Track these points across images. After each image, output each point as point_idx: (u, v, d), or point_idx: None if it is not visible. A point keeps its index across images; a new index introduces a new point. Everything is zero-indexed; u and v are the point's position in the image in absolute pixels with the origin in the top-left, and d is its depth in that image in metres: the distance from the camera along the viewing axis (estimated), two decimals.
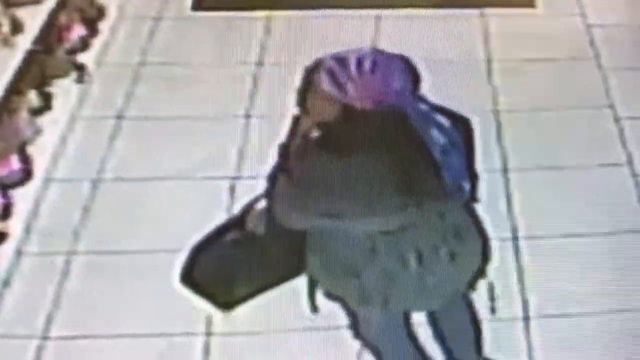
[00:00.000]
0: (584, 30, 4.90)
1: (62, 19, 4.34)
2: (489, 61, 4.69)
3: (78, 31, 4.42)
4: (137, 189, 3.82)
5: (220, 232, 2.73)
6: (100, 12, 4.69)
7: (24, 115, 3.87)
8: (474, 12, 5.06)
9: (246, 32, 4.77)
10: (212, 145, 4.08)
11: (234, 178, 3.89)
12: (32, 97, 3.96)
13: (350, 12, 4.86)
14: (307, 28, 4.70)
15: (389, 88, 2.46)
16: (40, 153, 3.87)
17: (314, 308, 2.71)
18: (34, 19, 4.13)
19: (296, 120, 2.53)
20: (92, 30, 4.53)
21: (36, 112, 3.96)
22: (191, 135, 4.09)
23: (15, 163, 3.72)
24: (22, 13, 4.11)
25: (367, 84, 2.44)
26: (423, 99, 2.62)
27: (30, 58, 4.01)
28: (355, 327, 2.93)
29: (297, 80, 2.48)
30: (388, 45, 4.53)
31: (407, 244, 2.62)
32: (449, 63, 4.61)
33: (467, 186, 2.62)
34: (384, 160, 2.46)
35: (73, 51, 4.36)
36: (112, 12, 4.80)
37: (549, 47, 4.80)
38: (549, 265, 3.56)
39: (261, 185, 2.56)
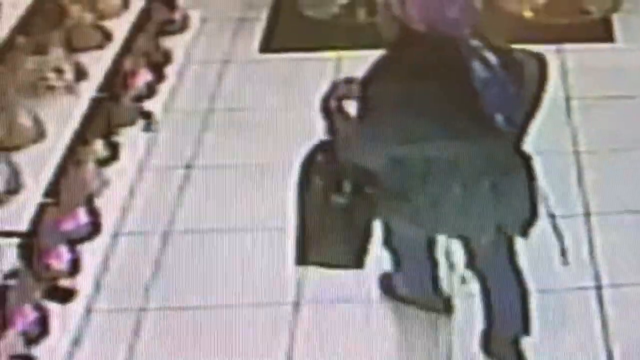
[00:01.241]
0: None
1: (127, 64, 4.27)
2: (567, 99, 4.56)
3: (144, 77, 4.36)
4: (208, 241, 3.72)
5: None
6: (167, 57, 4.64)
7: (90, 166, 3.80)
8: (551, 47, 4.87)
9: (316, 73, 4.67)
10: (282, 193, 4.07)
11: None
12: (99, 147, 3.90)
13: None
14: None
15: (444, 15, 2.75)
16: (108, 206, 3.79)
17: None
18: (98, 65, 4.04)
19: None
20: (159, 76, 4.48)
21: (103, 162, 3.89)
22: (262, 183, 4.00)
23: (82, 217, 3.65)
24: (85, 58, 4.02)
25: (426, 7, 2.75)
26: (481, 36, 2.86)
27: (95, 106, 3.93)
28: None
29: None
30: None
31: (454, 172, 2.87)
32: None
33: (500, 118, 2.83)
34: (431, 88, 2.73)
35: (139, 98, 4.31)
36: (178, 56, 4.76)
37: (629, 82, 4.63)
38: (635, 316, 3.41)
39: None
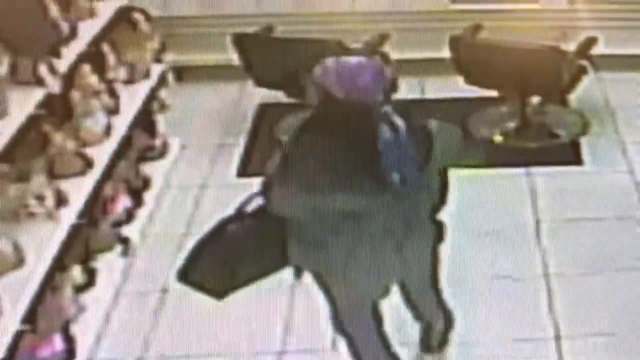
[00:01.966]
0: (632, 187, 4.90)
1: (108, 190, 4.40)
2: (537, 222, 4.68)
3: (123, 202, 4.49)
4: None
5: (220, 226, 3.31)
6: (146, 183, 4.77)
7: (67, 292, 3.88)
8: (520, 171, 5.12)
9: None
10: (259, 318, 4.09)
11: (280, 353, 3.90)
12: (76, 274, 3.98)
13: None
14: None
15: (356, 83, 3.18)
16: (84, 332, 3.85)
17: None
18: (79, 191, 4.14)
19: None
20: (138, 201, 4.60)
21: (80, 288, 3.97)
22: (238, 308, 3.94)
23: (58, 343, 3.70)
24: (67, 185, 4.10)
25: (345, 79, 3.19)
26: (395, 103, 3.29)
27: (74, 232, 4.01)
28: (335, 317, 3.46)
29: None
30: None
31: (361, 225, 3.23)
32: (496, 225, 4.61)
33: (396, 177, 3.23)
34: (339, 145, 3.14)
35: (118, 224, 4.42)
36: (157, 182, 4.89)
37: (597, 204, 4.78)
38: None
39: None
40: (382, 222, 3.25)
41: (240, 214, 3.32)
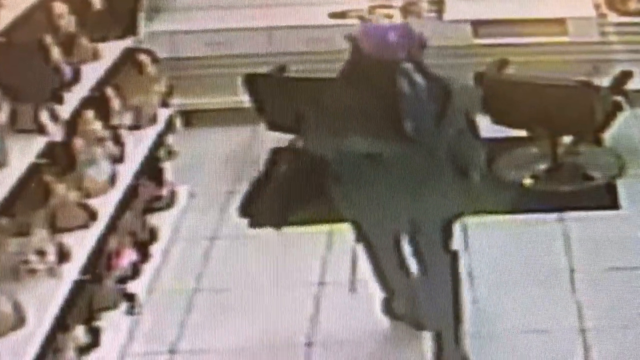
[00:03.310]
0: None
1: (112, 243, 4.43)
2: (571, 271, 4.67)
3: (129, 257, 4.52)
4: None
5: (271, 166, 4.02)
6: (153, 235, 4.82)
7: (70, 354, 3.88)
8: (552, 216, 5.13)
9: (306, 249, 4.86)
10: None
11: None
12: (79, 334, 3.99)
13: None
14: None
15: (385, 40, 3.79)
16: None
17: None
18: (82, 245, 4.17)
19: None
20: (144, 255, 4.64)
21: (83, 350, 3.98)
22: None
23: None
24: (69, 239, 4.13)
25: (374, 36, 3.83)
26: (418, 62, 3.86)
27: (77, 289, 4.04)
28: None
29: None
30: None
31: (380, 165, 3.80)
32: (528, 274, 4.63)
33: (410, 125, 3.77)
34: (364, 94, 3.75)
35: (123, 280, 4.44)
36: (165, 234, 4.93)
37: (635, 253, 4.74)
38: None
39: None
40: (399, 167, 3.81)
41: (285, 155, 4.05)
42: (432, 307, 4.13)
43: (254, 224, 4.03)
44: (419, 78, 3.84)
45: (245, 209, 3.96)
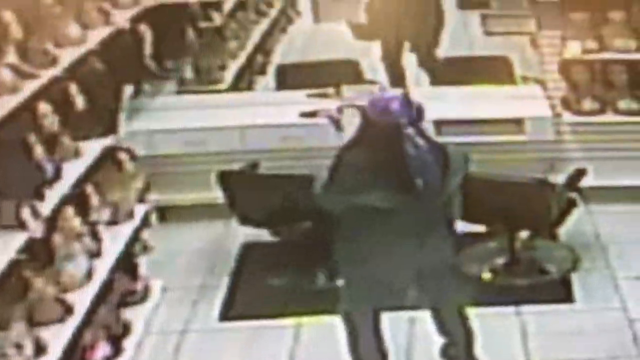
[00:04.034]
0: (625, 325, 4.93)
1: (87, 337, 4.48)
2: None
3: (103, 350, 4.56)
4: None
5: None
6: (126, 328, 4.87)
7: None
8: (510, 310, 5.16)
9: (274, 342, 4.89)
10: None
11: None
12: None
13: None
14: (337, 334, 4.67)
15: (390, 110, 4.28)
16: None
17: None
18: (58, 339, 4.21)
19: None
20: (117, 349, 4.67)
21: None
22: None
23: None
24: (46, 333, 4.19)
25: (379, 105, 4.34)
26: (418, 127, 4.36)
27: None
28: None
29: None
30: None
31: (391, 219, 4.24)
32: None
33: (419, 182, 4.25)
34: (377, 156, 4.23)
35: None
36: (138, 327, 4.97)
37: (589, 345, 4.80)
38: None
39: None
40: (408, 220, 4.25)
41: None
42: None
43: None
44: (420, 141, 4.33)
45: None
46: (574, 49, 6.41)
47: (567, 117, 6.25)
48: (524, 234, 5.60)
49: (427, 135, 4.44)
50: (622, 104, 6.30)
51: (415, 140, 4.31)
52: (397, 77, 7.14)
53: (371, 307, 4.46)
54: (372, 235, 4.31)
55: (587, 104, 6.28)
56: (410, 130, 4.32)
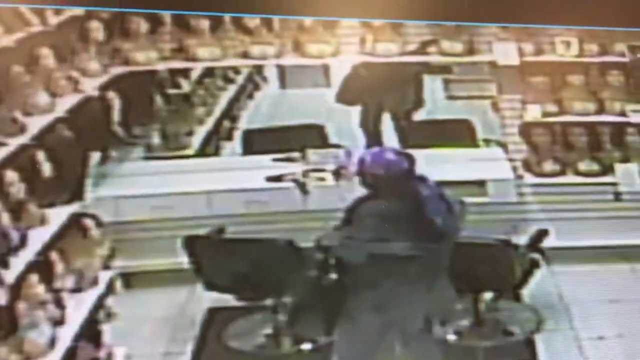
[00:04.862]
0: None
1: None
2: None
3: None
4: None
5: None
6: None
7: None
8: None
9: None
10: None
11: None
12: None
13: None
14: None
15: (390, 159, 4.53)
16: None
17: None
18: None
19: None
20: None
21: None
22: None
23: None
24: None
25: (378, 159, 4.54)
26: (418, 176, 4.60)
27: None
28: None
29: None
30: None
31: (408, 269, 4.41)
32: None
33: (439, 220, 4.48)
34: (395, 203, 4.44)
35: None
36: None
37: None
38: None
39: None
40: (422, 265, 4.41)
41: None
42: None
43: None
44: (426, 187, 4.61)
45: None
46: (534, 112, 6.49)
47: (529, 178, 6.28)
48: (487, 295, 5.55)
49: (428, 180, 4.63)
50: (583, 166, 6.37)
51: (427, 181, 4.57)
52: (374, 140, 7.39)
53: None
54: (388, 283, 4.37)
55: (548, 166, 6.34)
56: (418, 175, 4.61)
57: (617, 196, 6.26)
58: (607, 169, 6.34)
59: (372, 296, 4.36)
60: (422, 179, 4.54)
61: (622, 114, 6.56)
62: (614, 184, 6.29)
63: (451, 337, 5.42)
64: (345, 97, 7.15)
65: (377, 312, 4.36)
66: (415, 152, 6.54)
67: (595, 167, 6.32)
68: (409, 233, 4.42)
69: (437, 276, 4.48)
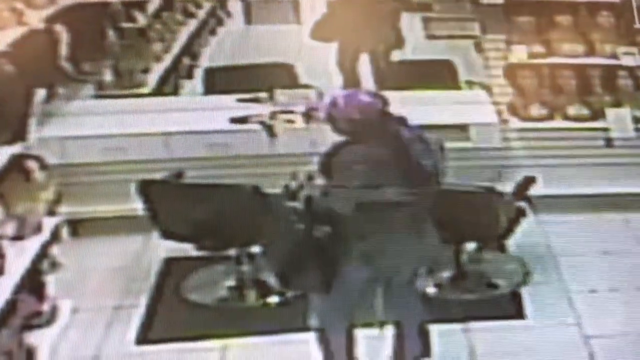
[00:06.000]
0: (581, 342, 4.74)
1: None
2: None
3: None
4: None
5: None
6: (30, 355, 4.34)
7: None
8: (456, 327, 4.88)
9: None
10: None
11: None
12: None
13: None
14: (267, 356, 4.57)
15: (364, 102, 4.27)
16: None
17: None
18: None
19: None
20: None
21: None
22: None
23: None
24: None
25: (351, 101, 4.27)
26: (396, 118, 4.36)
27: None
28: None
29: None
30: None
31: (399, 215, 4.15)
32: None
33: (428, 165, 4.26)
34: (378, 148, 4.15)
35: None
36: (44, 353, 4.47)
37: None
38: None
39: None
40: (412, 211, 4.16)
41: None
42: None
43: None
44: (412, 125, 4.32)
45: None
46: (519, 54, 6.33)
47: (515, 123, 6.09)
48: (470, 246, 5.33)
49: (406, 122, 4.33)
50: (572, 110, 6.21)
51: (407, 124, 4.29)
52: (351, 81, 7.24)
53: (347, 322, 4.22)
54: (378, 233, 4.14)
55: (535, 110, 6.16)
56: (397, 118, 4.31)
57: (609, 142, 6.12)
58: (598, 114, 6.20)
59: (361, 247, 4.12)
60: (401, 121, 4.28)
61: (614, 56, 6.42)
62: (605, 129, 6.13)
63: (431, 290, 5.18)
64: (320, 34, 7.07)
65: (365, 264, 4.14)
66: (393, 95, 6.47)
67: (585, 111, 6.16)
68: (398, 178, 4.19)
69: (426, 222, 4.25)
